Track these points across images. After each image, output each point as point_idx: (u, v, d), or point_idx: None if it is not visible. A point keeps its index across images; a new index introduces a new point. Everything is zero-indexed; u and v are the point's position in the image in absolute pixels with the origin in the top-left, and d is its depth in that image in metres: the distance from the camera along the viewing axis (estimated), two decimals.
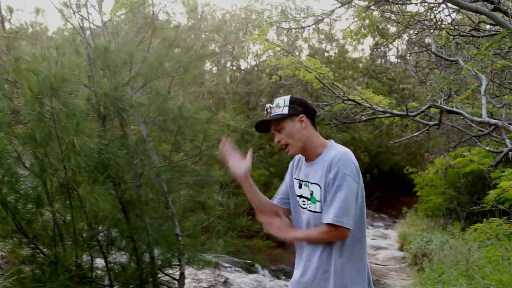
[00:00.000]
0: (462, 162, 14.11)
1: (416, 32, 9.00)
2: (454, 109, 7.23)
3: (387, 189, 24.18)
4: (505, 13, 5.03)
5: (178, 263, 6.39)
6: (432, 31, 8.17)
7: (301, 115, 3.21)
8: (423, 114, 7.95)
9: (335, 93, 8.37)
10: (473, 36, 6.47)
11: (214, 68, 16.06)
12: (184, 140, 8.43)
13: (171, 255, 6.23)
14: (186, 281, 6.90)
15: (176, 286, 6.39)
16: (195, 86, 11.06)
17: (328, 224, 3.02)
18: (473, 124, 10.80)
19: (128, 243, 5.67)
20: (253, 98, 16.43)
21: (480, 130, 9.94)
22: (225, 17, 14.00)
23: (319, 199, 3.14)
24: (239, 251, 10.84)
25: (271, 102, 3.29)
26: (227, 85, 14.85)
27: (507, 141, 8.57)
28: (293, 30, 15.16)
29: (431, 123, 7.94)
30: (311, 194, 3.21)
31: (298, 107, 3.23)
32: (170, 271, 6.49)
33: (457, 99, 7.86)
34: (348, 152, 3.17)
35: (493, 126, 8.37)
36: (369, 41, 29.81)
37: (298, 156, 3.41)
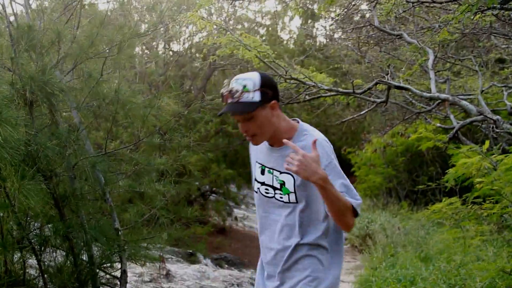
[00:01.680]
0: (401, 140, 14.15)
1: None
2: (402, 84, 7.00)
3: None
4: None
5: (119, 260, 5.90)
6: (374, 4, 7.92)
7: (273, 101, 2.89)
8: (368, 91, 7.70)
9: (277, 72, 8.02)
10: (433, 1, 6.18)
11: (146, 51, 15.45)
12: (120, 127, 7.96)
13: (111, 252, 5.73)
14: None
15: (118, 284, 5.90)
16: (129, 68, 10.47)
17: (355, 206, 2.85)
18: (414, 101, 10.74)
19: (63, 242, 5.15)
20: (187, 81, 15.96)
21: (422, 107, 9.84)
22: None
23: (292, 190, 2.92)
24: (180, 241, 10.47)
25: (221, 83, 2.89)
26: (160, 68, 14.29)
27: (452, 116, 8.47)
28: (226, 8, 14.73)
29: (378, 100, 7.70)
30: (282, 185, 2.96)
31: (269, 90, 2.88)
32: (111, 269, 5.99)
33: (404, 74, 7.69)
34: (323, 136, 3.00)
35: (437, 102, 8.25)
36: (296, 22, 29.78)
37: None
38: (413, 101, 10.38)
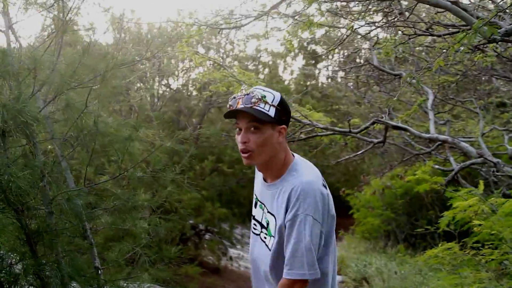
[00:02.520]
0: (400, 183, 13.88)
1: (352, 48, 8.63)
2: (400, 124, 6.76)
3: None
4: (465, 10, 4.54)
5: None
6: (373, 44, 7.76)
7: (283, 126, 2.66)
8: (365, 131, 7.47)
9: None
10: (431, 34, 5.98)
11: (140, 85, 15.33)
12: (105, 161, 7.72)
13: None
14: None
15: None
16: (117, 100, 10.27)
17: (295, 280, 2.53)
18: (413, 143, 10.53)
19: (35, 280, 4.83)
20: (183, 118, 15.82)
21: (421, 149, 9.62)
22: (152, 30, 13.32)
23: (273, 234, 2.66)
24: (170, 281, 10.13)
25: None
26: (154, 103, 14.15)
27: (451, 159, 8.24)
28: (223, 44, 14.64)
29: (375, 140, 7.46)
30: (267, 224, 2.73)
31: (283, 114, 2.66)
32: None
33: (403, 114, 7.47)
34: (312, 179, 2.64)
35: (437, 144, 8.04)
36: (299, 63, 29.85)
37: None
38: (412, 142, 10.17)
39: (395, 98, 8.75)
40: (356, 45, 9.02)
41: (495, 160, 5.66)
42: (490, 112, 10.42)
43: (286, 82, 21.06)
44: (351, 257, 13.07)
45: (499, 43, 6.60)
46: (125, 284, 5.91)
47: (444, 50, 5.38)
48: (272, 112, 2.59)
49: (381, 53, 7.86)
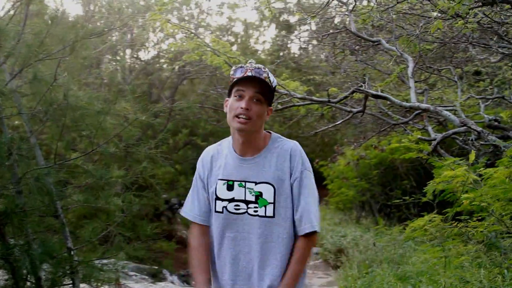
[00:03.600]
0: (374, 153, 13.82)
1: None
2: (381, 93, 6.59)
3: None
4: None
5: (71, 282, 5.35)
6: (351, 10, 7.55)
7: (270, 107, 2.86)
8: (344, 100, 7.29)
9: None
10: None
11: (111, 57, 14.94)
12: (76, 136, 7.42)
13: (62, 274, 5.18)
14: None
15: None
16: (88, 73, 9.93)
17: (314, 232, 2.76)
18: (389, 112, 10.39)
19: (4, 265, 4.59)
20: (155, 90, 15.51)
21: (399, 119, 9.48)
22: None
23: (271, 201, 2.77)
24: (144, 257, 9.96)
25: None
26: (125, 75, 13.80)
27: (429, 128, 8.12)
28: (195, 14, 14.30)
29: (355, 110, 7.28)
30: (259, 196, 2.79)
31: (273, 97, 2.90)
32: None
33: (382, 83, 7.31)
34: (296, 143, 2.90)
35: (414, 113, 7.90)
36: (271, 33, 29.58)
37: (210, 152, 2.99)
38: (389, 112, 10.03)
39: (372, 67, 8.61)
40: (333, 12, 8.77)
41: (479, 129, 5.54)
42: (465, 81, 10.32)
43: (259, 53, 20.80)
44: (326, 228, 12.99)
45: (480, 9, 6.46)
46: (100, 264, 5.72)
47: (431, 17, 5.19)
48: (271, 92, 2.78)
49: (357, 21, 7.68)
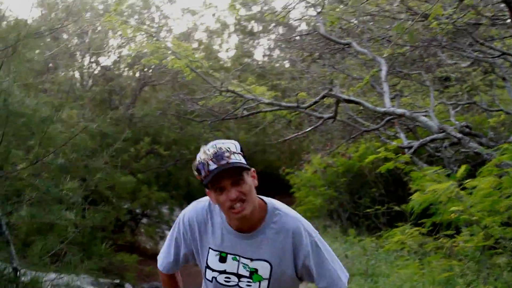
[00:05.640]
0: (342, 160, 13.54)
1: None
2: (353, 98, 6.24)
3: (262, 190, 23.56)
4: None
5: None
6: (318, 12, 7.22)
7: (252, 169, 2.60)
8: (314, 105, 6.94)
9: (212, 84, 7.17)
10: None
11: (68, 62, 14.42)
12: (20, 145, 6.93)
13: None
14: None
15: None
16: (39, 78, 9.39)
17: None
18: (358, 118, 10.10)
19: None
20: (115, 97, 15.00)
21: (369, 125, 9.20)
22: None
23: (266, 277, 2.64)
24: (105, 270, 9.51)
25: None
26: (84, 81, 13.30)
27: (402, 135, 7.84)
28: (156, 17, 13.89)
29: (325, 115, 6.93)
30: (254, 272, 2.65)
31: (245, 157, 2.58)
32: None
33: (355, 87, 6.98)
34: (297, 213, 2.70)
35: (386, 119, 7.62)
36: (234, 40, 29.40)
37: (199, 216, 2.74)
38: (358, 118, 9.76)
39: (340, 71, 8.30)
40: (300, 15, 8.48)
41: (459, 135, 5.21)
42: (435, 86, 10.11)
43: (221, 62, 20.54)
44: None
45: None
46: (51, 283, 5.26)
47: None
48: (243, 159, 2.52)
49: (325, 24, 7.38)
